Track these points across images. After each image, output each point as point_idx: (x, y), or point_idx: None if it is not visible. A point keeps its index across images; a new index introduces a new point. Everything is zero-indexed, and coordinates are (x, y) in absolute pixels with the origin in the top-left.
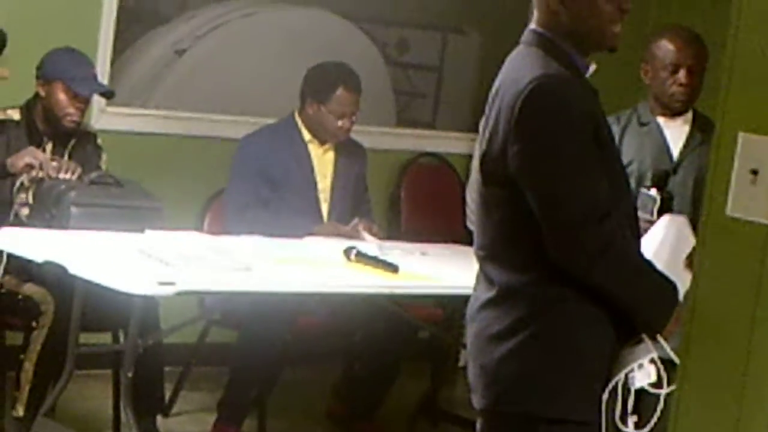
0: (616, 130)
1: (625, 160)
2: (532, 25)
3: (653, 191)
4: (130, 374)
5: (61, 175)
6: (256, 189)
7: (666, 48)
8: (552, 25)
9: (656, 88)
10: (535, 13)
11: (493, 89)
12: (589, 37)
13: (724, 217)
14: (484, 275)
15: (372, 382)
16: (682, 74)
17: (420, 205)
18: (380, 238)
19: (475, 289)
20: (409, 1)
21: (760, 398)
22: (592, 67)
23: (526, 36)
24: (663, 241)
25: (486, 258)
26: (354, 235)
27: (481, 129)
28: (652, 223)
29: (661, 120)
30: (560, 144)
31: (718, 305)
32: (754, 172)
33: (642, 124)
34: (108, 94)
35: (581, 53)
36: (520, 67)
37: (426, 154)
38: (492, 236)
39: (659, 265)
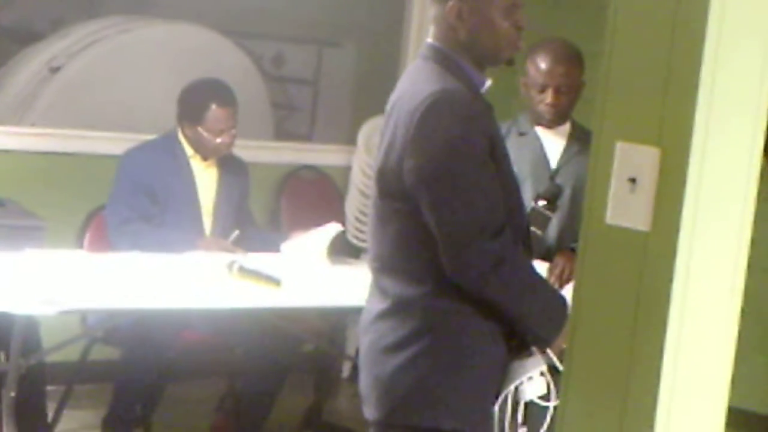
0: None
1: None
2: (429, 40)
3: (546, 209)
4: (12, 394)
5: None
6: (138, 203)
7: (536, 67)
8: (449, 40)
9: (528, 104)
10: (432, 28)
11: (390, 103)
12: (486, 53)
13: (604, 225)
14: (378, 287)
15: (256, 397)
16: (548, 94)
17: (300, 217)
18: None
19: (368, 300)
20: (285, 15)
21: (642, 405)
22: (488, 83)
23: (423, 50)
24: None
25: (380, 270)
26: (235, 249)
27: (365, 142)
28: (539, 238)
29: (539, 130)
30: (455, 160)
31: (599, 313)
32: (632, 181)
33: (521, 134)
34: None
35: (478, 68)
36: (416, 82)
37: (304, 167)
38: (387, 248)
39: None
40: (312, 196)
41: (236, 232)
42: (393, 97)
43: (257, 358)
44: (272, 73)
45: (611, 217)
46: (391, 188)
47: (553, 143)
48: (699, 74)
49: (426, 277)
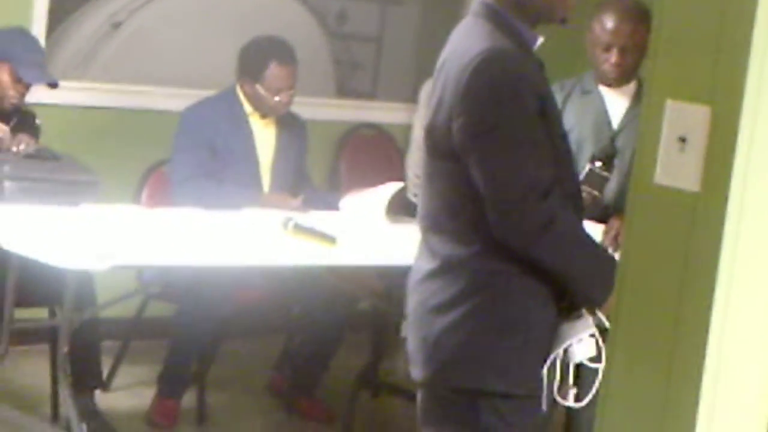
0: (559, 97)
1: (566, 127)
2: None
3: (602, 170)
4: (65, 349)
5: (14, 148)
6: (199, 160)
7: (601, 25)
8: None
9: (593, 62)
10: None
11: (440, 61)
12: (539, 10)
13: (653, 185)
14: (426, 246)
15: (312, 355)
16: (613, 54)
17: (360, 175)
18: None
19: (416, 260)
20: None
21: (688, 368)
22: (540, 40)
23: (474, 7)
24: None
25: (429, 229)
26: (300, 208)
27: (426, 100)
28: (596, 199)
29: (603, 90)
30: (505, 119)
31: (646, 275)
32: (683, 140)
33: (585, 93)
34: (53, 85)
35: (530, 25)
36: (467, 40)
37: (365, 124)
38: (435, 208)
39: None
40: (372, 154)
41: (301, 197)
42: (443, 55)
43: (313, 316)
44: (335, 30)
45: (660, 177)
46: (440, 146)
47: (617, 103)
48: (752, 32)
49: (474, 237)
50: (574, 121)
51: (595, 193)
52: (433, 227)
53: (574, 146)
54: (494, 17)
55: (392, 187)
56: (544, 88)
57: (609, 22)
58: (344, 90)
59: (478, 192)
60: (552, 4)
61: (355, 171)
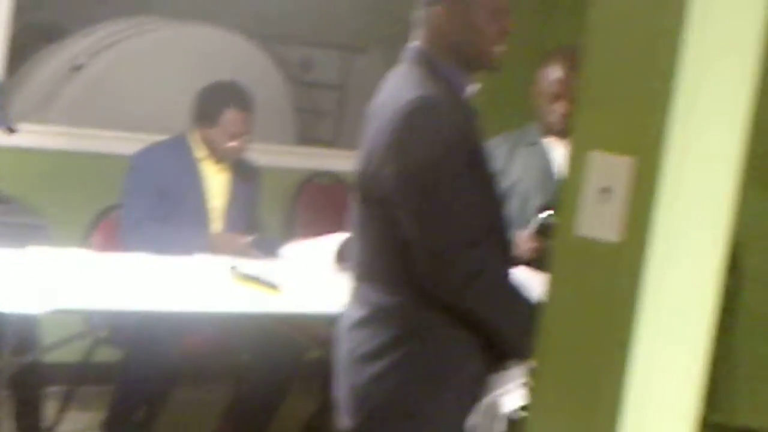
0: (505, 148)
1: (511, 179)
2: (414, 43)
3: (552, 219)
4: (4, 394)
5: None
6: (150, 204)
7: (548, 76)
8: (435, 43)
9: (538, 114)
10: (418, 31)
11: (371, 108)
12: (472, 57)
13: (574, 236)
14: (357, 294)
15: (260, 403)
16: (560, 104)
17: (315, 223)
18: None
19: (347, 308)
20: (314, 20)
21: (610, 419)
22: (475, 87)
23: (407, 53)
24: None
25: (360, 277)
26: (249, 250)
27: (360, 147)
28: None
29: (549, 141)
30: (434, 168)
31: (568, 325)
32: (605, 191)
33: (530, 144)
34: (11, 130)
35: (463, 72)
36: (398, 87)
37: (322, 172)
38: (367, 255)
39: None
40: (329, 202)
41: (252, 237)
42: (375, 102)
43: (262, 364)
44: (299, 78)
45: (582, 228)
46: (371, 194)
47: (562, 155)
48: (675, 83)
49: (404, 286)
50: (520, 173)
51: (546, 241)
52: (364, 275)
53: (520, 198)
54: (426, 64)
55: (337, 238)
56: (475, 137)
57: (555, 73)
58: (306, 138)
59: (407, 241)
60: (484, 50)
61: (310, 219)
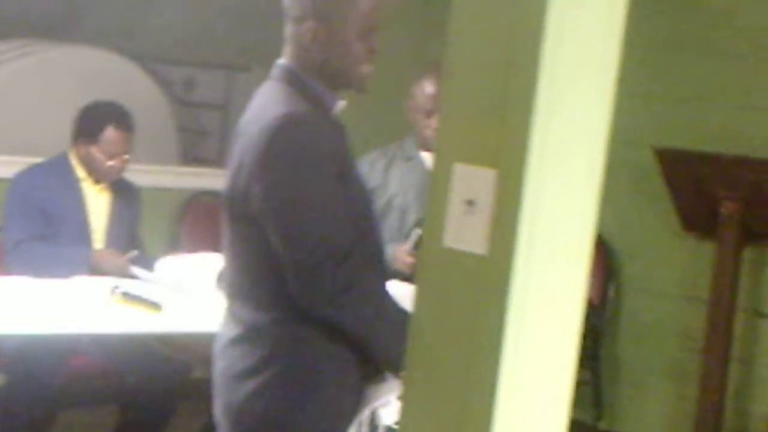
0: (382, 163)
1: (389, 193)
2: (282, 60)
3: None
4: None
5: None
6: (31, 225)
7: (422, 91)
8: (302, 60)
9: (414, 127)
10: (286, 48)
11: (239, 125)
12: (339, 76)
13: (441, 248)
14: (230, 313)
15: (147, 424)
16: (435, 119)
17: (200, 243)
18: None
19: (222, 326)
20: (195, 40)
21: (478, 429)
22: (341, 104)
23: (275, 70)
24: None
25: (233, 295)
26: (128, 267)
27: (228, 164)
28: None
29: (425, 155)
30: (302, 184)
31: (436, 337)
32: (470, 203)
33: (407, 159)
34: None
35: (330, 89)
36: (265, 104)
37: (206, 192)
38: (237, 274)
39: None
40: (213, 221)
41: (134, 252)
42: (242, 119)
43: (147, 385)
44: (183, 99)
45: (448, 240)
46: (240, 212)
47: None
48: (534, 94)
49: (275, 303)
50: (397, 187)
51: None
52: (236, 293)
53: (398, 211)
54: (294, 81)
55: (212, 257)
56: (344, 153)
57: (429, 88)
58: (189, 158)
59: (277, 257)
60: (352, 68)
61: (196, 238)
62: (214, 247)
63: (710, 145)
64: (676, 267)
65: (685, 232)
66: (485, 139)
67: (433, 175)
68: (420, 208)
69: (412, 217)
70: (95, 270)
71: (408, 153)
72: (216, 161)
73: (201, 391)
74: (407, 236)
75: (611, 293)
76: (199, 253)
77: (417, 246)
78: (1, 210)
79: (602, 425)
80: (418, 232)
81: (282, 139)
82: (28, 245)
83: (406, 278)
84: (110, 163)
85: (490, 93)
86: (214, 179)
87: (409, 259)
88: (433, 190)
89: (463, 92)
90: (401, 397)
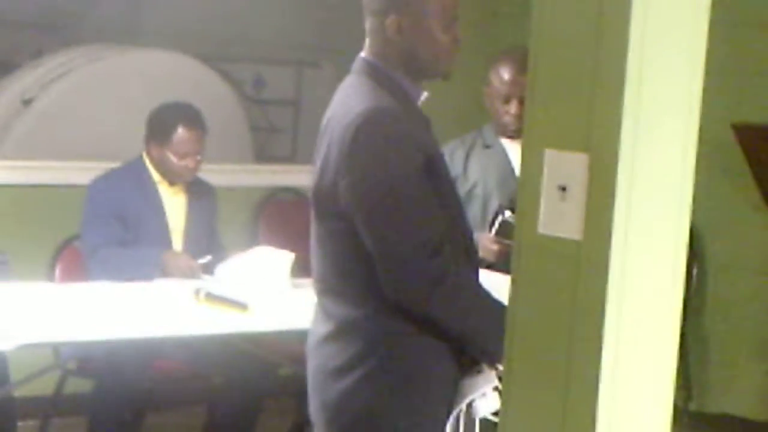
0: (461, 152)
1: (470, 182)
2: (363, 54)
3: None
4: None
5: None
6: (109, 230)
7: (499, 77)
8: (385, 53)
9: (492, 115)
10: (368, 41)
11: (324, 120)
12: (423, 66)
13: (536, 235)
14: (321, 309)
15: (235, 424)
16: (513, 105)
17: (279, 240)
18: None
19: (313, 323)
20: (264, 38)
21: (582, 413)
22: (425, 95)
23: (357, 64)
24: None
25: (323, 291)
26: (197, 274)
27: (314, 161)
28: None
29: (505, 142)
30: (391, 178)
31: (535, 324)
32: (563, 189)
33: (486, 146)
34: None
35: (414, 81)
36: (350, 99)
37: (283, 188)
38: (327, 269)
39: None
40: (291, 218)
41: (208, 257)
42: (327, 115)
43: (234, 384)
44: (253, 97)
45: (543, 227)
46: (328, 208)
47: (519, 154)
48: (624, 77)
49: (367, 297)
50: (478, 175)
51: (509, 242)
52: (326, 290)
53: (480, 200)
54: (376, 74)
55: (264, 251)
56: (430, 144)
57: (506, 74)
58: (263, 155)
59: (368, 252)
60: (437, 59)
61: (274, 236)
62: (294, 244)
63: None
64: (758, 243)
65: (766, 208)
66: (575, 124)
67: (523, 162)
68: (502, 194)
69: (494, 204)
70: (165, 272)
71: (487, 140)
72: (289, 158)
73: (288, 389)
74: (491, 223)
75: (694, 271)
76: (255, 249)
77: (500, 232)
78: (80, 217)
79: (692, 406)
80: (501, 219)
81: (368, 133)
82: (104, 250)
83: (490, 265)
84: (183, 162)
85: (579, 76)
86: (289, 176)
87: (494, 246)
88: (524, 178)
89: (550, 76)
90: (502, 388)
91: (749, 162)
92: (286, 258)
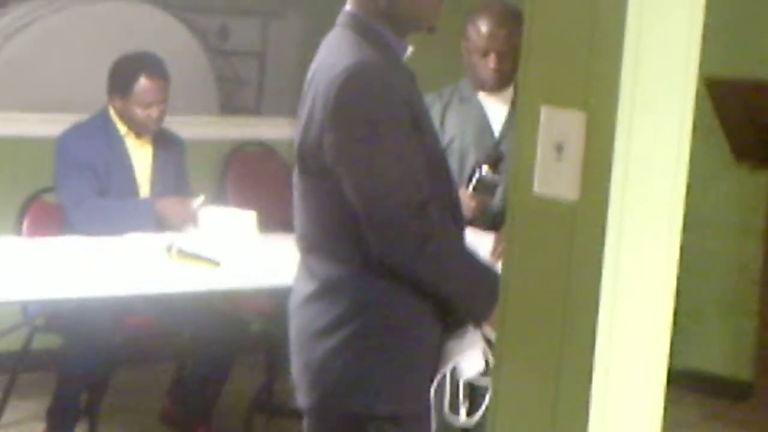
0: (438, 107)
1: (447, 136)
2: (348, 7)
3: (491, 174)
4: None
5: None
6: (88, 181)
7: (477, 30)
8: (369, 7)
9: (470, 69)
10: None
11: (309, 75)
12: (408, 20)
13: (531, 195)
14: (305, 267)
15: (205, 381)
16: (491, 59)
17: (247, 193)
18: None
19: (296, 281)
20: None
21: (577, 376)
22: (410, 49)
23: (341, 18)
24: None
25: (307, 249)
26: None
27: (298, 116)
28: (486, 206)
29: (481, 96)
30: (376, 133)
31: (529, 285)
32: (559, 147)
33: (463, 101)
34: None
35: (399, 35)
36: (334, 53)
37: (250, 141)
38: (310, 227)
39: None
40: (258, 171)
41: (201, 197)
42: (312, 68)
43: (204, 341)
44: (217, 47)
45: (538, 186)
46: (312, 163)
47: (497, 109)
48: (623, 35)
49: (352, 256)
50: (455, 130)
51: (486, 198)
52: (310, 248)
53: (457, 155)
54: (361, 28)
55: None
56: (416, 100)
57: (484, 27)
58: (228, 107)
59: (352, 210)
60: (420, 12)
61: (241, 188)
62: (262, 196)
63: (762, 73)
64: (729, 199)
65: (737, 163)
66: (572, 81)
67: (518, 119)
68: (479, 149)
69: (471, 159)
70: (161, 221)
71: (464, 95)
72: (254, 110)
73: (259, 346)
74: (468, 179)
75: None
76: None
77: (478, 188)
78: (47, 170)
79: None
80: (479, 173)
81: (353, 88)
82: (91, 202)
83: (468, 222)
84: (147, 112)
85: (576, 32)
86: (257, 128)
87: (472, 203)
88: (519, 135)
89: (548, 31)
90: (495, 351)
91: (720, 117)
92: (248, 217)
